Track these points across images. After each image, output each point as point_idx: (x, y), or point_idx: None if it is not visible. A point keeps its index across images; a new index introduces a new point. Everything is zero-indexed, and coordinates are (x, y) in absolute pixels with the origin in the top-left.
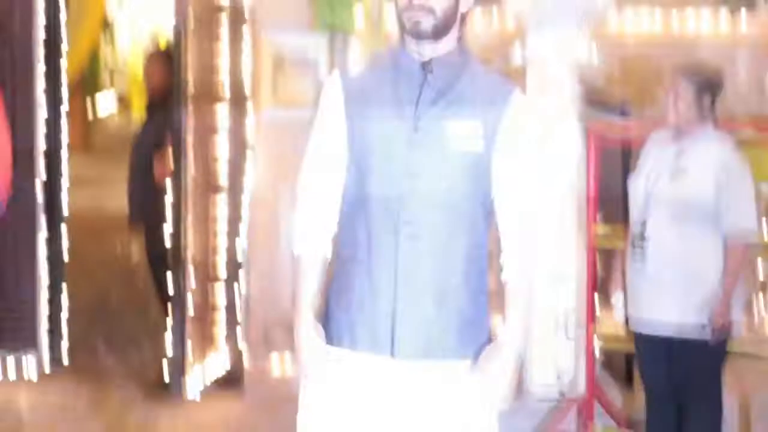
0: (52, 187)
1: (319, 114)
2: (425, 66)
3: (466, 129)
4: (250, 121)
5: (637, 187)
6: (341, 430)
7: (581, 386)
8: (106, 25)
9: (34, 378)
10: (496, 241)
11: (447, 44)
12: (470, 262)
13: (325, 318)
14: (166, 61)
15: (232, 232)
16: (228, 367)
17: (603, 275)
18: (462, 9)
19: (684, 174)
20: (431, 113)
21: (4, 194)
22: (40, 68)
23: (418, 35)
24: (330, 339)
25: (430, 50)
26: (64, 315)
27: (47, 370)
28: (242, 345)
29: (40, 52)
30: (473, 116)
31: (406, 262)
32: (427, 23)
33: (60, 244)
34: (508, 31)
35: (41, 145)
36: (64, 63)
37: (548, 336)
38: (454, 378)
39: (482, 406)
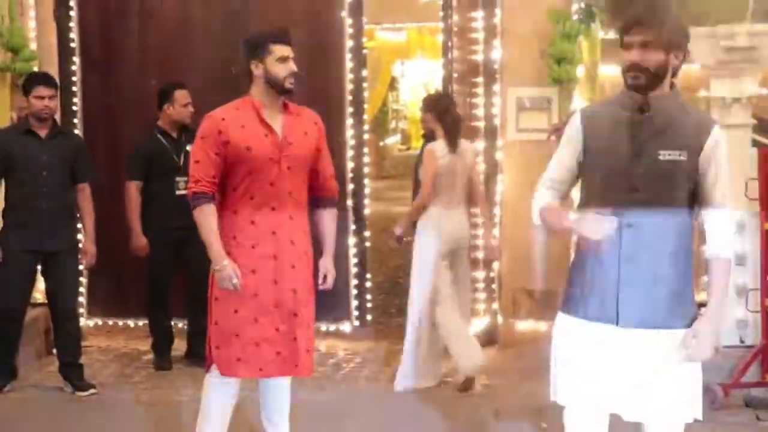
0: (357, 198)
1: (565, 134)
2: (644, 108)
3: (675, 154)
4: (499, 147)
5: None
6: (581, 379)
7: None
8: (392, 81)
9: (348, 335)
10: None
11: (661, 90)
12: (678, 247)
13: (566, 292)
14: None
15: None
16: (486, 325)
17: None
18: (673, 64)
19: None
20: (649, 143)
21: (336, 194)
22: (348, 116)
23: (636, 89)
24: (569, 309)
25: (646, 97)
26: (368, 290)
27: (356, 330)
28: (496, 309)
29: (347, 105)
30: (681, 145)
31: (627, 248)
32: (642, 79)
33: (364, 239)
34: (695, 76)
35: (349, 170)
36: (363, 112)
37: (734, 307)
38: (666, 342)
39: (692, 364)
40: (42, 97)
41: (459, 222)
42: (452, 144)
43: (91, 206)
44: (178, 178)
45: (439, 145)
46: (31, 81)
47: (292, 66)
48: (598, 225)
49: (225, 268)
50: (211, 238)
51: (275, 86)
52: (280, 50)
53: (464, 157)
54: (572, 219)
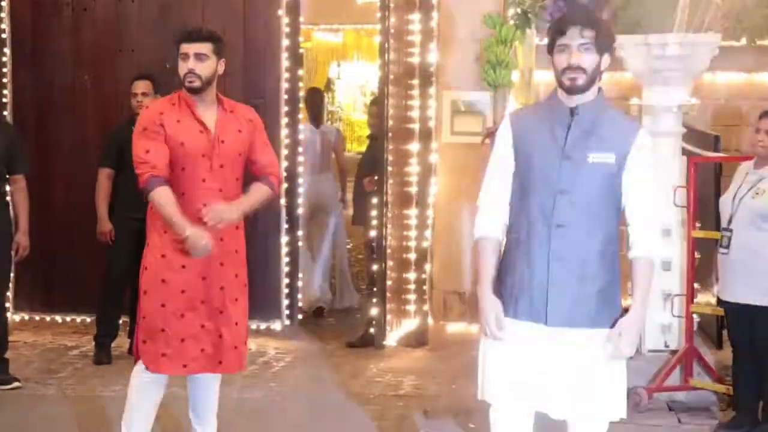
0: (291, 197)
1: (496, 143)
2: (573, 111)
3: (603, 157)
4: (434, 150)
5: (727, 199)
6: (508, 377)
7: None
8: (328, 83)
9: (279, 333)
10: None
11: (590, 94)
12: (606, 247)
13: (496, 291)
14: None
15: (421, 229)
16: (417, 327)
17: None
18: (602, 68)
19: (763, 194)
20: (578, 146)
21: (277, 188)
22: (284, 115)
23: (573, 90)
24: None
25: (577, 99)
26: (299, 289)
27: (287, 329)
28: (427, 311)
29: (283, 104)
30: (609, 148)
31: (556, 249)
32: (581, 80)
33: (296, 238)
34: (628, 84)
35: (283, 169)
36: (299, 111)
37: (659, 312)
38: (593, 342)
39: (615, 362)
40: None
41: (322, 185)
42: (314, 124)
43: (26, 198)
44: None
45: (304, 126)
46: None
47: (189, 64)
48: (487, 322)
49: (193, 233)
50: (174, 210)
51: (182, 84)
52: (184, 48)
53: (325, 135)
54: (480, 293)
